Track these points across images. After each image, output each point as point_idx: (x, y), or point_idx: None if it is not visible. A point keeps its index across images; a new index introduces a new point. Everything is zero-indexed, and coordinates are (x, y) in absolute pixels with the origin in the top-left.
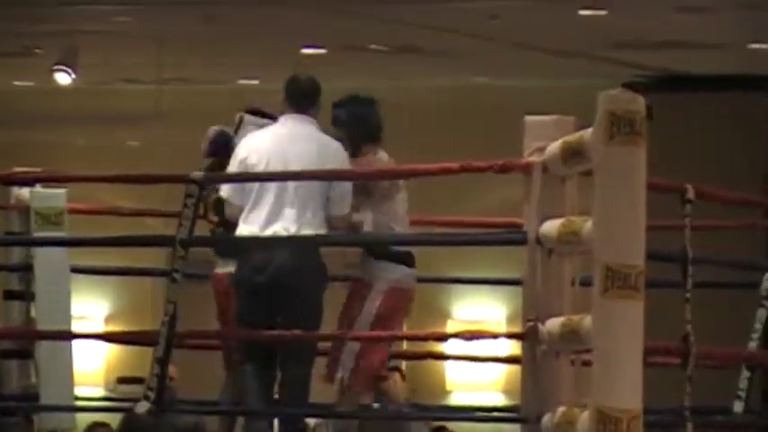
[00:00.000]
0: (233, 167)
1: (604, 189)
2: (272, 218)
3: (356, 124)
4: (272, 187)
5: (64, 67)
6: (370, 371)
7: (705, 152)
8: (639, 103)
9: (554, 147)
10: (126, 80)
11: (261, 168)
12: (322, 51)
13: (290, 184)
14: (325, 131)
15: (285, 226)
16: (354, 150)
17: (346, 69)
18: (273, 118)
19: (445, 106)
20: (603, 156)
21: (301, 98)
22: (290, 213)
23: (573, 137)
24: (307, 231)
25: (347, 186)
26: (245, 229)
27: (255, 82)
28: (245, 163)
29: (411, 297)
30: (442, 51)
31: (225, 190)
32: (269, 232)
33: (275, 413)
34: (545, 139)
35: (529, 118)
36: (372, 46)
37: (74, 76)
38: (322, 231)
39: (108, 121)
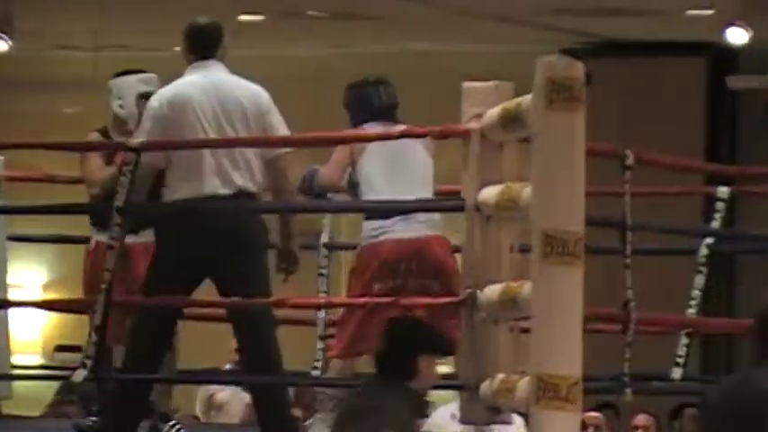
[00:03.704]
0: (154, 122)
1: (543, 155)
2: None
3: (347, 107)
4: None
5: (0, 34)
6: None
7: (643, 118)
8: (578, 69)
9: (492, 113)
10: (62, 47)
11: (200, 122)
12: (260, 18)
13: (238, 133)
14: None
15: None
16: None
17: (284, 36)
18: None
19: (384, 72)
20: (542, 122)
21: (209, 43)
22: (233, 167)
23: (511, 103)
24: (251, 186)
25: (281, 126)
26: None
27: None
28: (178, 116)
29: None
30: (381, 17)
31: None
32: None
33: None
34: (483, 105)
35: (467, 84)
36: (310, 12)
37: (10, 42)
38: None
39: (45, 88)
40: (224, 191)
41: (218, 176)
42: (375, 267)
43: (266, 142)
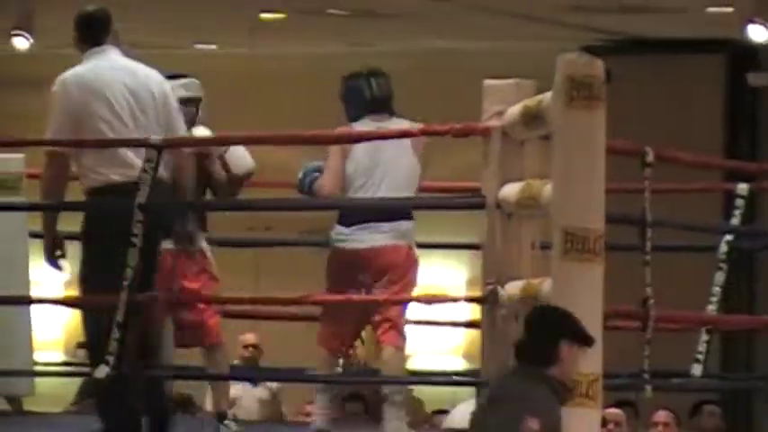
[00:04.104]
0: (62, 106)
1: (563, 153)
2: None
3: (342, 100)
4: (130, 124)
5: (21, 32)
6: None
7: (663, 115)
8: (598, 66)
9: (513, 110)
10: None
11: (112, 106)
12: (280, 16)
13: (149, 119)
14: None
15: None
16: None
17: (305, 34)
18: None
19: (404, 70)
20: (562, 119)
21: (99, 30)
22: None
23: (532, 100)
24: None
25: (178, 110)
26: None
27: (213, 47)
28: (87, 100)
29: None
30: (401, 15)
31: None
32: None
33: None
34: (504, 102)
35: (488, 82)
36: (331, 10)
37: (31, 40)
38: None
39: None
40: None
41: (139, 159)
42: (332, 276)
43: (271, 140)
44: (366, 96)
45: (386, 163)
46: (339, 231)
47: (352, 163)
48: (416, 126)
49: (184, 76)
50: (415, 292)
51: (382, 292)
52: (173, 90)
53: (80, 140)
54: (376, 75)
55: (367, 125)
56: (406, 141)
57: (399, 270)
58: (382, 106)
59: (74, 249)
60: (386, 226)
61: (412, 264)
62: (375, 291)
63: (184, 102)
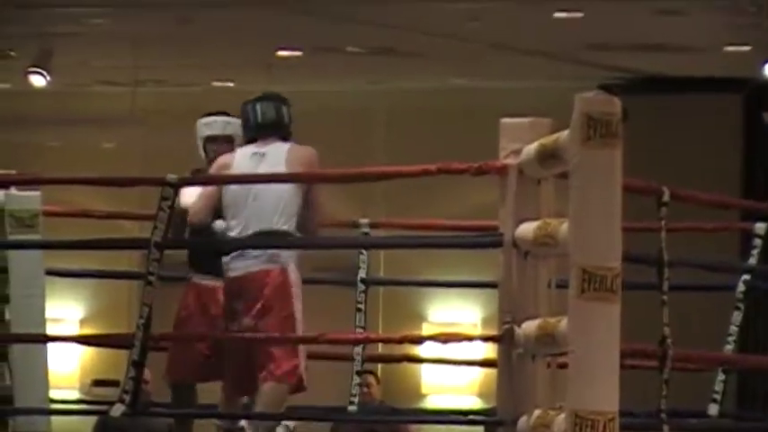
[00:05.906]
0: None
1: (580, 191)
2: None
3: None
4: None
5: (39, 69)
6: None
7: (680, 154)
8: (615, 105)
9: (530, 149)
10: (101, 82)
11: None
12: (298, 53)
13: None
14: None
15: None
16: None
17: (322, 72)
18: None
19: (422, 108)
20: (580, 158)
21: None
22: None
23: (549, 139)
24: None
25: None
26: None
27: (230, 84)
28: None
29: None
30: (419, 53)
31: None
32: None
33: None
34: (521, 141)
35: (504, 120)
36: (349, 48)
37: (49, 78)
38: None
39: (83, 122)
40: None
41: None
42: (222, 306)
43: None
44: (251, 122)
45: (257, 192)
46: (223, 261)
47: (228, 191)
48: (309, 151)
49: (225, 114)
50: (433, 331)
51: (256, 324)
52: (198, 130)
53: (88, 178)
54: (263, 100)
55: (246, 150)
56: (281, 167)
57: (272, 295)
58: (265, 132)
59: (89, 287)
60: (255, 251)
61: (288, 287)
62: (246, 321)
63: (211, 140)
